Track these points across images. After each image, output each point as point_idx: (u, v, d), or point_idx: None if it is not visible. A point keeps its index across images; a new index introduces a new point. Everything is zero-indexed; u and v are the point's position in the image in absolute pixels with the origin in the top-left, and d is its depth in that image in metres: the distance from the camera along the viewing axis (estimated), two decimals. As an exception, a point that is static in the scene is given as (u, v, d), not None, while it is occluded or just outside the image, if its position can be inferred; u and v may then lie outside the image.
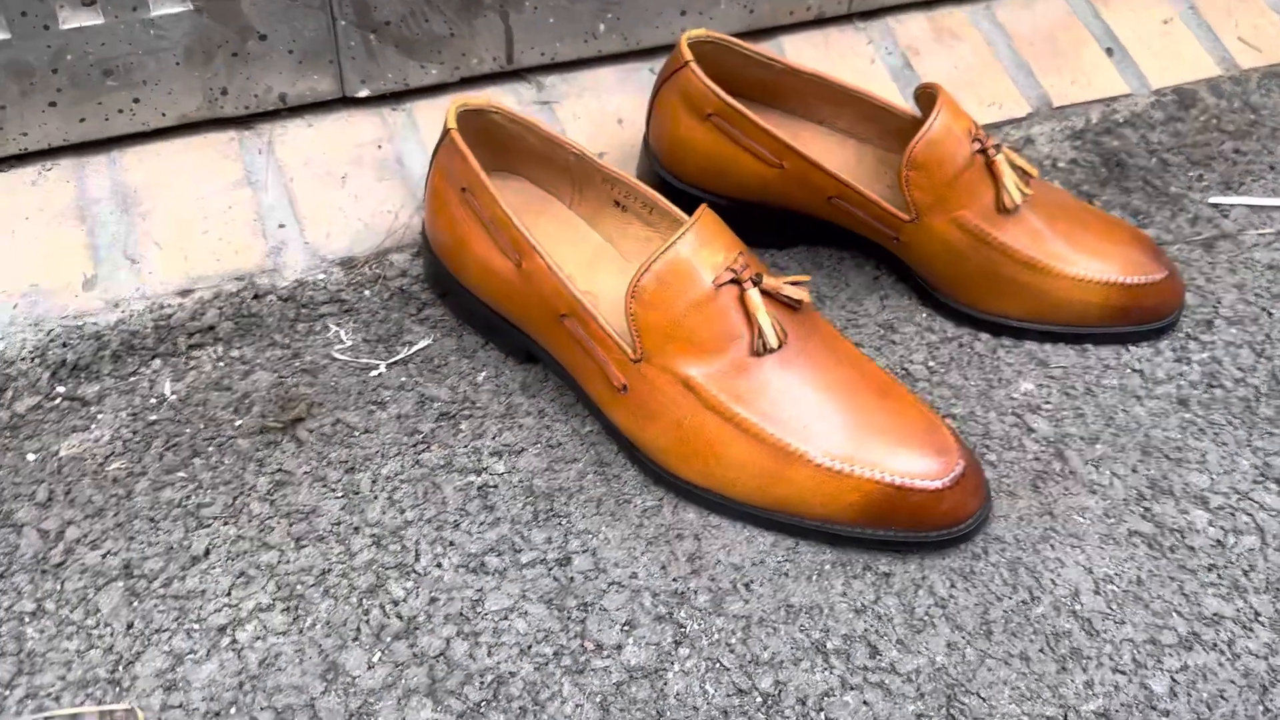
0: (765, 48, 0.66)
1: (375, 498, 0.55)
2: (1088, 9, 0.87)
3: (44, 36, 0.58)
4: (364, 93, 0.69)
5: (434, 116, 0.71)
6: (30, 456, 0.56)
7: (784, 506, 0.55)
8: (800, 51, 0.79)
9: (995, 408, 0.63)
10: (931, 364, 0.65)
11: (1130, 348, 0.67)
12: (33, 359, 0.59)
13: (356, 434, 0.58)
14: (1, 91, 0.60)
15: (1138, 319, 0.66)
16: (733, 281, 0.54)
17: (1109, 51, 0.85)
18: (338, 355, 0.61)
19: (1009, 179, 0.62)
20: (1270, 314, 0.70)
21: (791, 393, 0.55)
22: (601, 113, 0.74)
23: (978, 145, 0.62)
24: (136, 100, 0.63)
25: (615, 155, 0.72)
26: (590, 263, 0.63)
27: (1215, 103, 0.84)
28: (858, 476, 0.53)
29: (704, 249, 0.55)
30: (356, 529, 0.54)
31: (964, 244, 0.64)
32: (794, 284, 0.56)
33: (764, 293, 0.55)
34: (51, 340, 0.60)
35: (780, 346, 0.55)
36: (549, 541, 0.54)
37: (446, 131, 0.59)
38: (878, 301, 0.68)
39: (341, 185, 0.67)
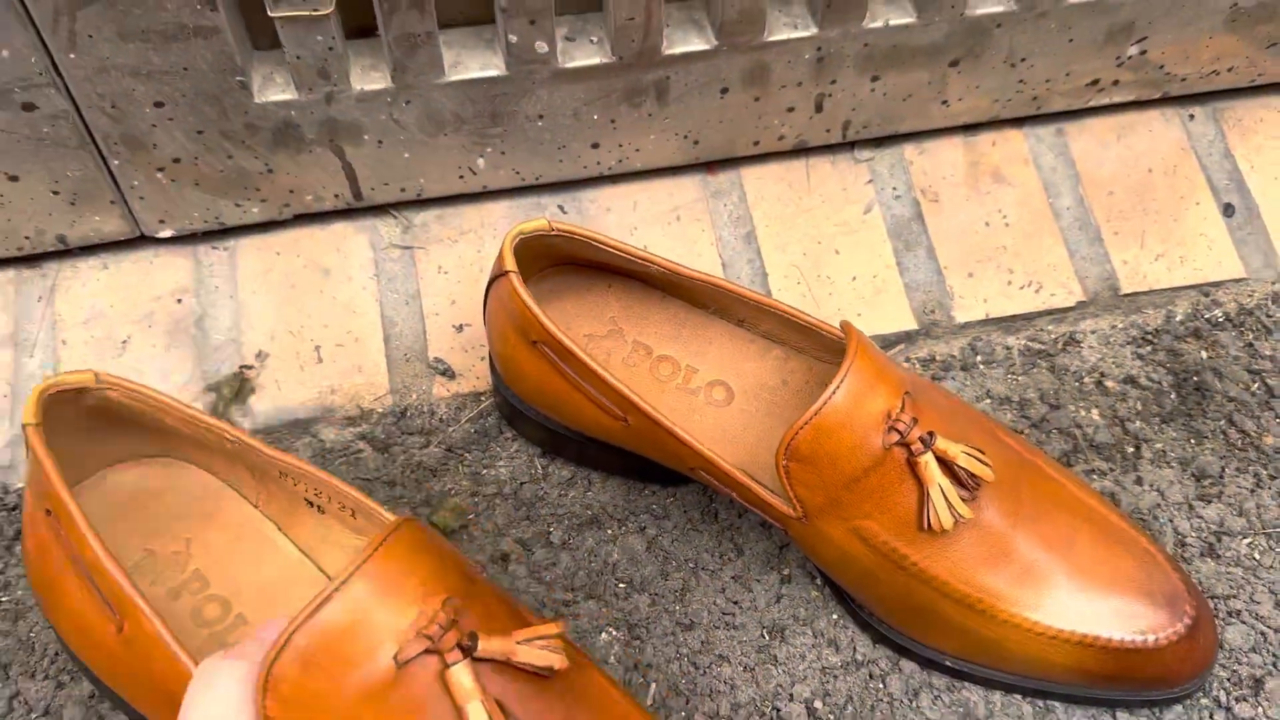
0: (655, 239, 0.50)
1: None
2: (1215, 139, 0.64)
3: None
4: (166, 232, 0.57)
5: (261, 258, 0.58)
6: None
7: None
8: (764, 190, 0.61)
9: (884, 796, 0.46)
10: (817, 705, 0.48)
11: (1120, 713, 0.48)
12: None
13: (32, 717, 0.47)
14: None
15: (1129, 687, 0.47)
16: (429, 652, 0.38)
17: (1228, 209, 0.62)
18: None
19: (939, 492, 0.44)
20: (1362, 681, 0.48)
21: None
22: (476, 266, 0.59)
23: (895, 436, 0.44)
24: (-128, 242, 0.53)
25: (481, 330, 0.57)
26: (278, 588, 0.48)
27: (1377, 298, 0.60)
28: None
29: (383, 602, 0.38)
30: None
31: (870, 562, 0.46)
32: (539, 639, 0.40)
33: (482, 660, 0.38)
34: None
35: None
36: None
37: (26, 429, 0.43)
38: (774, 587, 0.51)
39: (121, 352, 0.56)
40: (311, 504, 0.47)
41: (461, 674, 0.38)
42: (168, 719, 0.40)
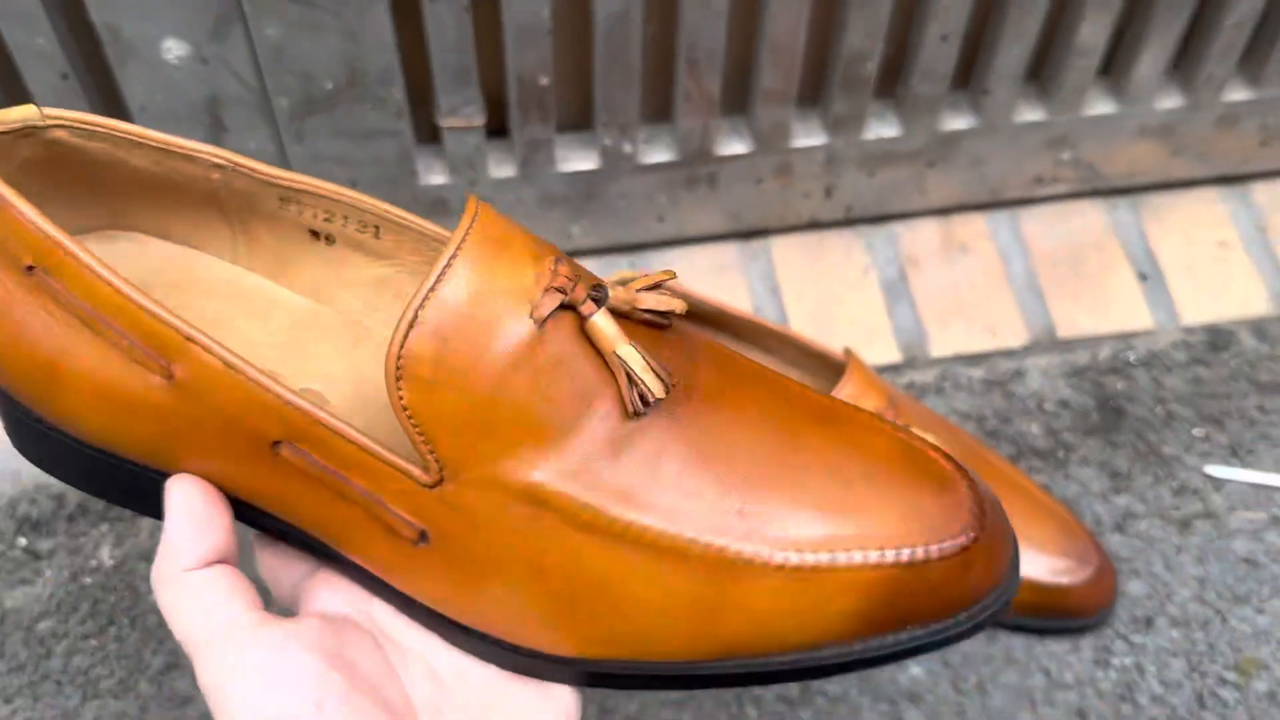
0: (708, 290, 0.68)
1: (245, 696, 0.62)
2: (1133, 226, 0.83)
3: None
4: (339, 278, 0.75)
5: (408, 300, 0.77)
6: (-19, 603, 0.66)
7: (735, 650, 0.36)
8: (787, 255, 0.80)
9: (873, 691, 0.63)
10: (824, 628, 0.66)
11: (1046, 640, 0.65)
12: (5, 510, 0.69)
13: (250, 625, 0.65)
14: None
15: (1053, 616, 0.64)
16: (564, 307, 0.35)
17: (1142, 276, 0.81)
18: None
19: (911, 465, 0.62)
20: (1225, 620, 0.66)
21: (704, 463, 0.36)
22: (570, 308, 0.77)
23: (882, 426, 0.62)
24: (129, 279, 0.72)
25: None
26: (291, 343, 0.43)
27: (1254, 347, 0.79)
28: (845, 567, 0.34)
29: (499, 267, 0.35)
30: (220, 725, 0.61)
31: (863, 519, 0.64)
32: (654, 287, 0.38)
33: (617, 314, 0.36)
34: (24, 494, 0.69)
35: (669, 391, 0.36)
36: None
37: None
38: (792, 547, 0.69)
39: (304, 365, 0.74)
40: (318, 235, 0.41)
41: (604, 321, 0.35)
42: (250, 475, 0.37)
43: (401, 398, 0.35)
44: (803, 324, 0.78)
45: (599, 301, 0.35)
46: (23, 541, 0.68)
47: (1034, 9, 0.69)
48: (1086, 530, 0.65)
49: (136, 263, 0.42)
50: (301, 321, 0.43)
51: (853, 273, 0.80)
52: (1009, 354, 0.78)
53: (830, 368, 0.69)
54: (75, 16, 0.60)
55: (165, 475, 0.38)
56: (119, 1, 0.58)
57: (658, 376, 0.35)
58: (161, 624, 0.65)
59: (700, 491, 0.35)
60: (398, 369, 0.34)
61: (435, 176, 0.71)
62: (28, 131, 0.37)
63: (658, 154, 0.73)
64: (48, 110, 0.38)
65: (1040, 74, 0.77)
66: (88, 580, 0.67)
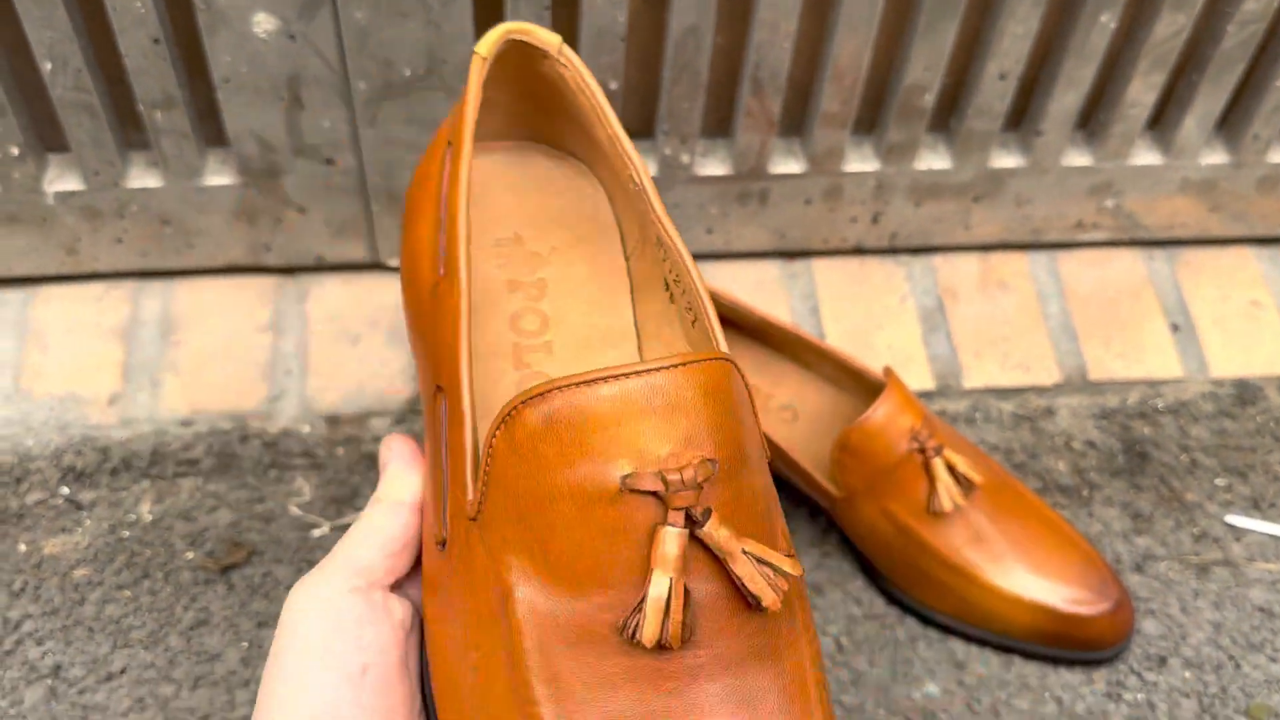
0: (754, 296, 0.69)
1: (272, 657, 0.63)
2: (1168, 276, 0.84)
3: (113, 190, 0.70)
4: (394, 262, 0.77)
5: (457, 289, 0.79)
6: (21, 547, 0.67)
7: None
8: (828, 277, 0.81)
9: (889, 705, 0.64)
10: (844, 640, 0.66)
11: (1060, 669, 0.66)
12: (51, 459, 0.70)
13: (280, 589, 0.66)
14: (75, 228, 0.72)
15: (1069, 646, 0.65)
16: (655, 496, 0.33)
17: (1174, 327, 0.82)
18: (294, 508, 0.69)
19: (944, 485, 0.63)
20: (1238, 665, 0.66)
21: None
22: (614, 310, 0.79)
23: (916, 444, 0.63)
24: (191, 245, 0.74)
25: (613, 355, 0.77)
26: (593, 344, 0.45)
27: (1281, 404, 0.80)
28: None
29: (652, 419, 0.33)
30: (246, 683, 0.62)
31: (890, 534, 0.65)
32: (769, 564, 0.34)
33: (699, 543, 0.33)
34: (70, 445, 0.71)
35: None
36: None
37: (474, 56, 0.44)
38: (816, 557, 0.70)
39: (354, 344, 0.76)
40: (667, 287, 0.43)
41: (671, 539, 0.32)
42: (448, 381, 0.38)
43: (495, 437, 0.34)
44: (840, 345, 0.79)
45: (691, 522, 0.34)
46: (65, 491, 0.70)
47: (1091, 58, 0.71)
48: (1108, 565, 0.66)
49: (579, 197, 0.49)
50: (609, 336, 0.45)
51: (892, 299, 0.82)
52: (1040, 391, 0.79)
53: (866, 386, 0.70)
54: (172, -16, 0.63)
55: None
56: (217, -27, 0.60)
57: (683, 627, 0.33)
58: (195, 581, 0.66)
59: None
60: (507, 415, 0.34)
61: (497, 170, 0.73)
62: (545, 55, 0.45)
63: (714, 167, 0.75)
64: (564, 48, 0.45)
65: (1090, 121, 0.79)
66: (126, 533, 0.68)
